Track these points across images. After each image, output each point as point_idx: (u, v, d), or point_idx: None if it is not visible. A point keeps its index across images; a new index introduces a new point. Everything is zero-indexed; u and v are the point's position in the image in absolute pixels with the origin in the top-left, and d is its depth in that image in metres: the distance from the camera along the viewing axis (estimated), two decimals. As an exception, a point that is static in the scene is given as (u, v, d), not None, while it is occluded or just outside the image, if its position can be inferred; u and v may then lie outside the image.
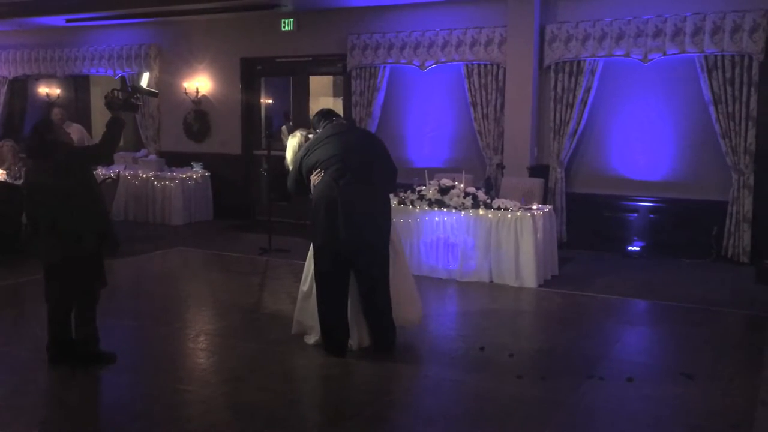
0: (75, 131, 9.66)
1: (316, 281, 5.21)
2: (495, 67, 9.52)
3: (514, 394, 4.57)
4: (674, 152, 8.87)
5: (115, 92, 5.00)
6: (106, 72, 12.53)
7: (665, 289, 7.28)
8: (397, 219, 7.22)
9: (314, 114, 5.58)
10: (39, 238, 4.86)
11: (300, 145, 5.47)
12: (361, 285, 5.13)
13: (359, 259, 5.06)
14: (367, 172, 5.08)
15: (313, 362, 5.11)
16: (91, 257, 4.84)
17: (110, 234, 4.97)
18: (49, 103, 13.27)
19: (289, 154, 5.57)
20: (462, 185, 7.69)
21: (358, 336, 5.23)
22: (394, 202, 7.56)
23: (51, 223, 4.79)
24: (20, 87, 13.83)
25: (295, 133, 5.69)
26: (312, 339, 5.35)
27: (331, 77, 12.47)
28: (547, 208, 7.78)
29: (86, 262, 4.82)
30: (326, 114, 5.46)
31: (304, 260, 8.10)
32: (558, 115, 9.23)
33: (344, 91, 11.01)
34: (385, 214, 5.22)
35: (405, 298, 5.34)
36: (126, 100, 4.95)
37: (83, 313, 4.90)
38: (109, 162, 11.32)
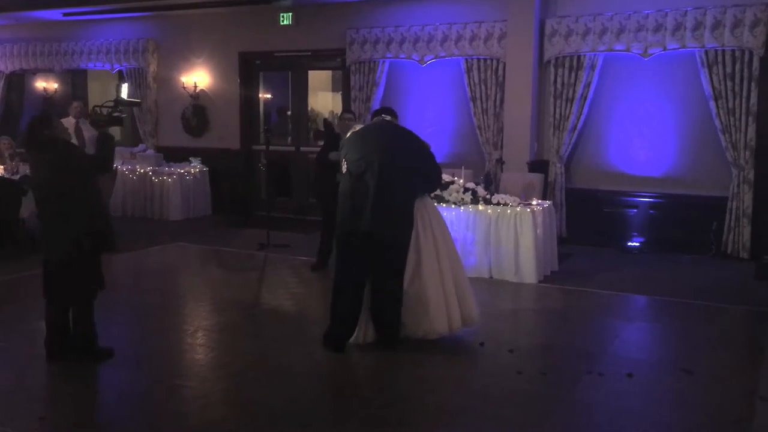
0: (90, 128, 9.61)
1: (335, 271, 5.26)
2: (495, 61, 9.49)
3: (513, 389, 4.56)
4: (674, 148, 8.85)
5: (98, 109, 5.02)
6: (103, 66, 12.50)
7: (665, 284, 7.27)
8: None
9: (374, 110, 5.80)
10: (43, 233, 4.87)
11: None
12: (372, 275, 5.13)
13: (370, 250, 5.06)
14: (388, 168, 5.05)
15: (312, 358, 5.09)
16: (88, 255, 4.81)
17: (108, 234, 4.93)
18: (46, 97, 13.23)
19: None
20: (461, 180, 7.68)
21: (363, 331, 5.21)
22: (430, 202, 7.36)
23: (49, 219, 4.78)
24: (17, 82, 13.79)
25: (354, 126, 5.95)
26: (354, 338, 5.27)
27: (330, 72, 12.43)
28: (547, 203, 7.77)
29: (83, 259, 4.79)
30: (378, 110, 5.64)
31: (303, 255, 8.08)
32: (558, 110, 9.21)
33: (343, 86, 10.99)
34: (400, 211, 5.13)
35: (427, 309, 5.23)
36: (110, 114, 4.98)
37: (81, 309, 4.88)
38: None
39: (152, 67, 12.09)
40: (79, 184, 4.77)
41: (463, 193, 7.53)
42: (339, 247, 5.28)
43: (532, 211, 7.26)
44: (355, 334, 5.22)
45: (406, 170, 5.15)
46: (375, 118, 5.56)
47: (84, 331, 4.89)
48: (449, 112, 10.08)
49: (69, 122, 9.30)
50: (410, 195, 5.23)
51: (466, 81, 9.71)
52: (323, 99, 12.73)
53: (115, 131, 5.19)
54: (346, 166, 5.21)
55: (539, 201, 7.72)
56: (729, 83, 8.27)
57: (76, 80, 13.44)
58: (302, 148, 11.33)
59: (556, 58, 9.14)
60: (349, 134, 5.62)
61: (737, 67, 8.22)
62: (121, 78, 12.58)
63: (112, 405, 4.45)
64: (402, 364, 5.01)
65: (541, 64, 9.29)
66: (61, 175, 4.73)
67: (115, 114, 5.00)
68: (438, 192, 7.59)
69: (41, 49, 12.96)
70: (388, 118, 5.48)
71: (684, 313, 6.31)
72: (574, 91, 9.09)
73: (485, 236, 7.38)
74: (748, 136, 8.25)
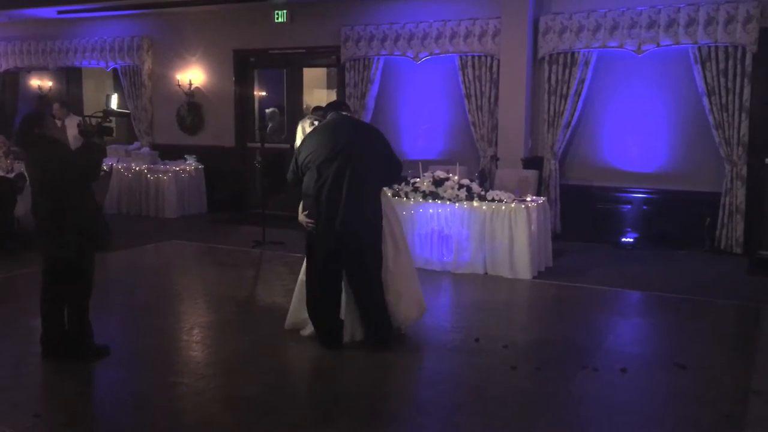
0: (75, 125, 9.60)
1: (307, 273, 5.21)
2: (489, 58, 9.51)
3: (508, 385, 4.58)
4: (668, 143, 8.88)
5: (87, 119, 5.00)
6: (98, 64, 12.48)
7: (658, 280, 7.30)
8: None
9: (326, 104, 5.65)
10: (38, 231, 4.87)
11: (305, 132, 5.50)
12: (350, 277, 5.11)
13: (346, 250, 5.03)
14: (358, 164, 5.00)
15: (307, 355, 5.11)
16: (81, 253, 4.80)
17: (98, 234, 4.91)
18: (41, 96, 13.20)
19: (297, 142, 5.63)
20: (456, 177, 7.69)
21: (351, 329, 5.22)
22: (388, 194, 7.50)
23: (42, 216, 4.78)
24: (11, 80, 13.76)
25: (305, 119, 5.76)
26: (308, 331, 5.34)
27: (324, 69, 12.43)
28: (541, 199, 7.79)
29: (77, 257, 4.78)
30: (333, 105, 5.49)
31: (298, 253, 8.08)
32: (552, 106, 9.23)
33: (338, 83, 10.99)
34: (373, 207, 5.11)
35: (407, 295, 5.28)
36: (99, 124, 4.95)
37: (76, 307, 4.88)
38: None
39: (147, 65, 12.07)
40: (69, 183, 4.76)
41: (458, 189, 7.55)
42: (312, 248, 5.15)
43: (527, 208, 7.29)
44: (350, 334, 5.21)
45: (373, 165, 5.11)
46: (332, 113, 5.32)
47: (79, 329, 4.89)
48: (444, 109, 10.10)
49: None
50: (378, 189, 5.23)
51: (460, 78, 9.73)
52: (318, 96, 12.72)
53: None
54: (307, 162, 5.06)
55: (534, 197, 7.75)
56: (722, 79, 8.29)
57: (70, 78, 13.40)
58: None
59: (550, 55, 9.16)
60: (308, 131, 5.53)
61: (730, 63, 8.25)
62: (115, 76, 12.56)
63: (107, 402, 4.44)
64: (395, 360, 5.02)
65: (535, 61, 9.31)
66: (52, 173, 4.72)
67: (105, 124, 4.98)
68: (433, 189, 7.63)
69: (35, 47, 12.93)
70: (347, 113, 5.35)
71: (678, 308, 6.34)
72: (568, 88, 9.11)
73: (480, 232, 7.40)
74: (741, 132, 8.28)
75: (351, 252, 5.04)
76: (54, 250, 4.76)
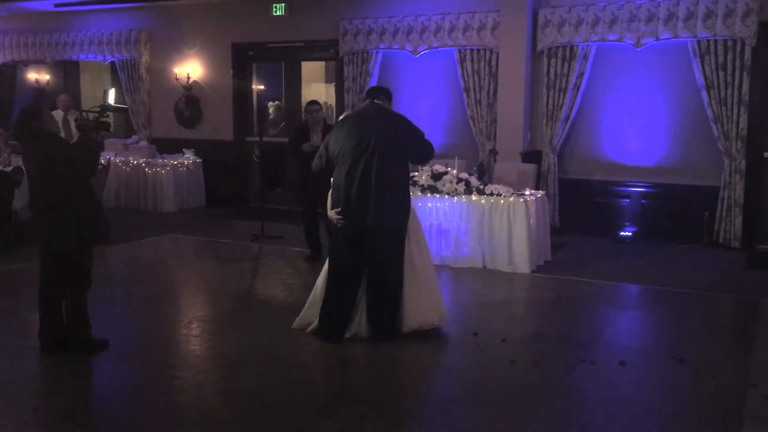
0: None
1: (329, 263, 5.20)
2: (488, 52, 9.49)
3: (507, 378, 4.58)
4: (666, 137, 8.87)
5: (84, 114, 4.99)
6: (95, 58, 12.44)
7: (657, 274, 7.31)
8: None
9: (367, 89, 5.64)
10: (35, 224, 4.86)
11: None
12: (370, 271, 5.09)
13: (369, 243, 5.02)
14: (387, 157, 4.96)
15: (307, 348, 5.10)
16: (80, 247, 4.79)
17: (96, 228, 4.90)
18: (40, 89, 13.17)
19: None
20: (455, 171, 7.69)
21: (356, 326, 5.19)
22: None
23: (40, 210, 4.77)
24: (9, 73, 13.71)
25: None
26: (312, 327, 5.32)
27: (323, 63, 12.40)
28: (540, 193, 7.78)
29: (75, 251, 4.78)
30: (371, 92, 5.41)
31: (297, 247, 8.07)
32: (551, 100, 9.22)
33: (337, 77, 10.96)
34: (401, 202, 5.09)
35: (429, 298, 5.27)
36: (96, 120, 4.93)
37: (74, 301, 4.88)
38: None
39: (145, 58, 12.03)
40: (67, 177, 4.74)
41: (457, 183, 7.54)
42: (336, 239, 5.18)
43: (525, 202, 7.28)
44: (354, 329, 5.19)
45: (402, 157, 5.09)
46: (367, 101, 5.31)
47: (77, 323, 4.88)
48: (442, 102, 10.08)
49: (57, 115, 9.29)
50: (407, 183, 5.20)
51: (459, 71, 9.71)
52: (317, 90, 12.70)
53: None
54: (336, 155, 5.04)
55: (532, 191, 7.74)
56: (721, 73, 8.28)
57: (68, 71, 13.37)
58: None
59: (549, 49, 9.13)
60: (340, 119, 5.53)
61: (729, 57, 8.24)
62: (113, 70, 12.53)
63: (106, 396, 4.45)
64: (396, 354, 5.02)
65: (534, 55, 9.29)
66: (50, 167, 4.71)
67: (102, 119, 4.97)
68: (432, 183, 7.62)
69: (33, 41, 12.88)
70: (380, 102, 5.28)
71: (676, 302, 6.34)
72: (566, 82, 9.10)
73: (479, 226, 7.39)
74: (739, 125, 8.27)
75: (375, 247, 5.02)
76: (52, 244, 4.76)
